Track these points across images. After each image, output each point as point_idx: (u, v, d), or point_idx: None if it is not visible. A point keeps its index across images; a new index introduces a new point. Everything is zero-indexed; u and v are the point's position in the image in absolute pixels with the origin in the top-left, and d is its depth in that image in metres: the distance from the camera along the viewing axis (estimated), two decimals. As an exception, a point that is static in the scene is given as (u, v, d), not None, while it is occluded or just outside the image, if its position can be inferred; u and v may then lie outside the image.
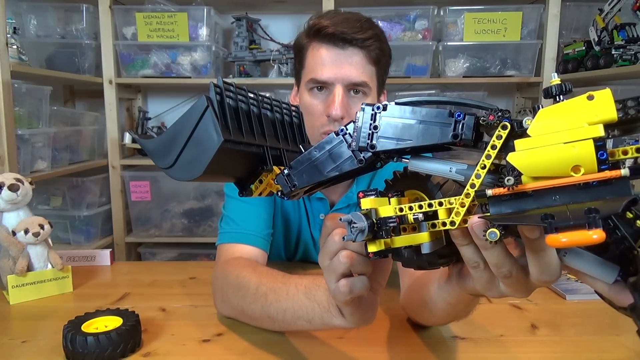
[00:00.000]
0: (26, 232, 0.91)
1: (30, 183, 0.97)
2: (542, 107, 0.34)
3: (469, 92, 2.14)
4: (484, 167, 0.36)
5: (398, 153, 0.41)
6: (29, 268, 0.92)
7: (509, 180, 0.34)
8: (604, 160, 0.31)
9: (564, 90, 0.33)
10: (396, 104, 0.40)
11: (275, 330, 0.73)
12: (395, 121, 0.40)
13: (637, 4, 1.60)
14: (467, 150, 0.39)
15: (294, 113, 0.55)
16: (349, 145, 0.42)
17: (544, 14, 1.90)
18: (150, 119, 2.20)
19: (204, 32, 1.95)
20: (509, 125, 0.35)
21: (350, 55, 0.86)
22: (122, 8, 1.96)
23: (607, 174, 0.31)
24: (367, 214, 0.40)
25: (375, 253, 0.42)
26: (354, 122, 0.42)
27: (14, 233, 0.92)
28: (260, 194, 0.49)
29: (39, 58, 1.95)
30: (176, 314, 0.85)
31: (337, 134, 0.43)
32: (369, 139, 0.41)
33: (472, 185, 0.37)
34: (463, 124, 0.38)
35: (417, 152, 0.41)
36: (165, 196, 2.05)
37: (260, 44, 2.08)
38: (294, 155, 0.46)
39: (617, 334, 0.75)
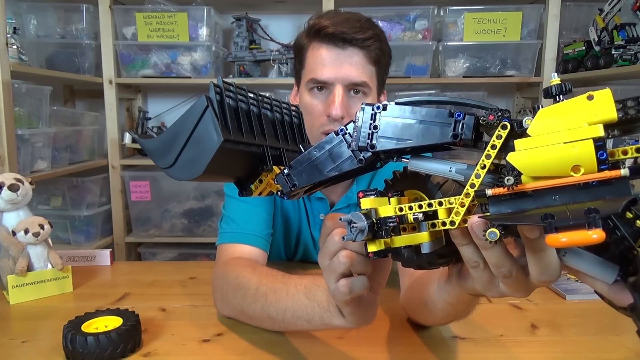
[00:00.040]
0: (26, 232, 0.91)
1: (30, 183, 0.97)
2: (542, 107, 0.34)
3: (469, 92, 2.14)
4: (483, 167, 0.36)
5: (398, 153, 0.41)
6: (29, 268, 0.92)
7: (509, 180, 0.34)
8: (604, 160, 0.31)
9: (563, 90, 0.33)
10: (396, 103, 0.40)
11: (275, 330, 0.73)
12: (395, 121, 0.40)
13: (637, 4, 1.61)
14: (467, 150, 0.39)
15: (293, 113, 0.55)
16: (349, 145, 0.42)
17: (544, 14, 1.90)
18: (150, 119, 2.20)
19: (204, 32, 1.96)
20: (508, 125, 0.35)
21: (350, 55, 0.86)
22: (122, 8, 1.96)
23: (607, 174, 0.31)
24: (367, 214, 0.40)
25: (375, 253, 0.42)
26: (354, 122, 0.42)
27: (14, 233, 0.92)
28: (260, 194, 0.49)
29: (39, 58, 1.95)
30: (176, 314, 0.85)
31: (337, 133, 0.43)
32: (368, 139, 0.41)
33: (472, 185, 0.37)
34: (463, 123, 0.38)
35: (417, 152, 0.41)
36: (165, 196, 2.05)
37: (260, 44, 2.08)
38: (293, 155, 0.46)
39: (617, 334, 0.75)
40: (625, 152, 0.31)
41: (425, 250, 0.42)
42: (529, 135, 0.33)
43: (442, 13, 1.95)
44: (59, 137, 1.78)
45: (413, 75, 1.96)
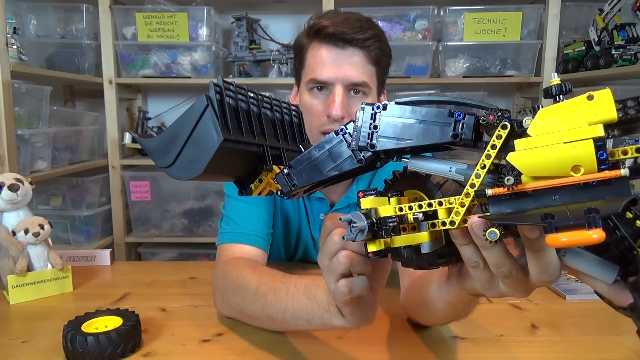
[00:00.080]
0: (26, 232, 0.91)
1: (30, 183, 0.97)
2: (542, 107, 0.34)
3: (469, 92, 2.14)
4: (483, 167, 0.36)
5: (398, 152, 0.41)
6: (29, 268, 0.92)
7: (509, 180, 0.34)
8: (604, 160, 0.31)
9: (563, 90, 0.33)
10: (396, 103, 0.40)
11: (275, 330, 0.73)
12: (395, 121, 0.40)
13: (637, 4, 1.61)
14: (467, 150, 0.39)
15: (293, 112, 0.55)
16: (349, 145, 0.42)
17: (544, 14, 1.90)
18: (150, 119, 2.20)
19: (204, 32, 1.96)
20: (508, 125, 0.35)
21: (350, 55, 0.86)
22: (122, 8, 1.96)
23: (607, 174, 0.31)
24: (367, 214, 0.40)
25: (375, 253, 0.42)
26: (354, 121, 0.42)
27: (14, 233, 0.92)
28: (259, 193, 0.49)
29: (39, 58, 1.95)
30: (176, 314, 0.85)
31: (336, 133, 0.43)
32: (368, 139, 0.41)
33: (472, 185, 0.37)
34: (463, 123, 0.38)
35: (417, 151, 0.41)
36: (165, 196, 2.05)
37: (260, 44, 2.08)
38: (293, 154, 0.46)
39: (617, 334, 0.75)
40: (625, 152, 0.31)
41: (425, 250, 0.42)
42: (529, 135, 0.33)
43: (442, 13, 1.95)
44: (59, 137, 1.78)
45: (413, 75, 1.96)
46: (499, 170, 0.36)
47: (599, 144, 0.30)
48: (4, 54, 1.39)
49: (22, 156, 1.54)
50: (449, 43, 1.94)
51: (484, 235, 0.35)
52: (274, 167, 0.47)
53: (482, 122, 0.37)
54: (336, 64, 0.86)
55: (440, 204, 0.39)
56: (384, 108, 0.40)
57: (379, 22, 1.74)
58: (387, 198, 0.43)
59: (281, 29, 2.14)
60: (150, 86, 2.27)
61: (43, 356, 0.69)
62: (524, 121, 0.34)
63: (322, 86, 0.89)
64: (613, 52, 1.66)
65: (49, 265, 0.95)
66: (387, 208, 0.41)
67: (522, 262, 0.39)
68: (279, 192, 0.47)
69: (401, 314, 0.80)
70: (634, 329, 0.33)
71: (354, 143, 0.42)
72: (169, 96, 2.28)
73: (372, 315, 0.53)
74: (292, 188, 0.45)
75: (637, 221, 0.32)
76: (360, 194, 0.42)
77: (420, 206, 0.40)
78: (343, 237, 0.41)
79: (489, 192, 0.35)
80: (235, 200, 0.94)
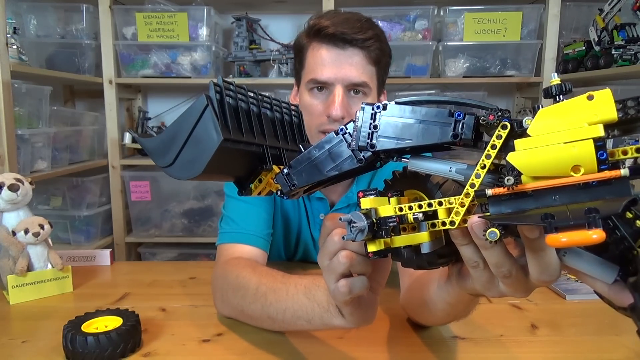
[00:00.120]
0: (26, 232, 0.91)
1: (30, 183, 0.97)
2: (542, 107, 0.34)
3: (469, 92, 2.14)
4: (483, 167, 0.36)
5: (398, 152, 0.41)
6: (29, 268, 0.92)
7: (509, 180, 0.34)
8: (604, 160, 0.31)
9: (563, 90, 0.33)
10: (396, 103, 0.40)
11: (275, 330, 0.73)
12: (395, 120, 0.40)
13: (637, 4, 1.61)
14: (467, 150, 0.39)
15: (293, 112, 0.55)
16: (349, 145, 0.42)
17: (544, 14, 1.90)
18: (150, 118, 2.20)
19: (204, 32, 1.96)
20: (508, 125, 0.35)
21: (351, 55, 0.86)
22: (122, 8, 1.96)
23: (607, 174, 0.31)
24: (367, 214, 0.40)
25: (375, 253, 0.42)
26: (354, 121, 0.42)
27: (14, 233, 0.92)
28: (259, 193, 0.49)
29: (39, 58, 1.95)
30: (176, 314, 0.85)
31: (336, 133, 0.43)
32: (368, 139, 0.41)
33: (472, 185, 0.37)
34: (463, 123, 0.38)
35: (416, 151, 0.41)
36: (165, 196, 2.05)
37: (260, 44, 2.08)
38: (293, 154, 0.46)
39: (617, 334, 0.75)
40: (625, 152, 0.31)
41: (425, 250, 0.42)
42: (529, 135, 0.33)
43: (442, 13, 1.95)
44: (59, 137, 1.78)
45: (413, 75, 1.96)
46: (499, 170, 0.36)
47: (599, 144, 0.30)
48: (4, 54, 1.39)
49: (22, 156, 1.54)
50: (449, 43, 1.94)
51: (484, 235, 0.35)
52: (274, 167, 0.47)
53: (482, 122, 0.37)
54: (336, 64, 0.86)
55: (440, 204, 0.39)
56: (384, 108, 0.40)
57: (379, 22, 1.74)
58: (387, 198, 0.43)
59: (281, 29, 2.14)
60: (150, 86, 2.27)
61: (43, 356, 0.69)
62: (524, 121, 0.34)
63: (322, 86, 0.88)
64: (613, 52, 1.66)
65: (49, 265, 0.95)
66: (387, 208, 0.41)
67: (522, 262, 0.39)
68: (278, 192, 0.47)
69: (401, 314, 0.80)
70: (634, 329, 0.33)
71: (353, 143, 0.42)
72: (169, 96, 2.28)
73: (372, 315, 0.53)
74: (292, 188, 0.45)
75: (637, 221, 0.32)
76: (360, 194, 0.42)
77: (420, 206, 0.40)
78: (343, 237, 0.41)
79: (489, 192, 0.35)
80: (235, 200, 0.94)
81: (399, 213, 0.40)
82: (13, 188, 0.92)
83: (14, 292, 0.90)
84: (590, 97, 0.31)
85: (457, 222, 0.38)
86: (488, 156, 0.36)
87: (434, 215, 0.40)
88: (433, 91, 2.14)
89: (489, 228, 0.34)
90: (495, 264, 0.39)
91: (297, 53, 0.94)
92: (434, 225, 0.40)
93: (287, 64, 1.97)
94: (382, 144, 0.40)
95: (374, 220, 0.40)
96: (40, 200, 1.91)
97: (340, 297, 0.48)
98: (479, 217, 0.36)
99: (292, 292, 0.64)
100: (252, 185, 0.48)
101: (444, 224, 0.39)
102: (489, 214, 0.36)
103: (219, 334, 0.76)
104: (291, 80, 1.08)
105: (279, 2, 2.09)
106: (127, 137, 2.04)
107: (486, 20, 1.89)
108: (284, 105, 0.53)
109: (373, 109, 0.41)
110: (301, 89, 0.93)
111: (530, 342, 0.74)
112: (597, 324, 0.79)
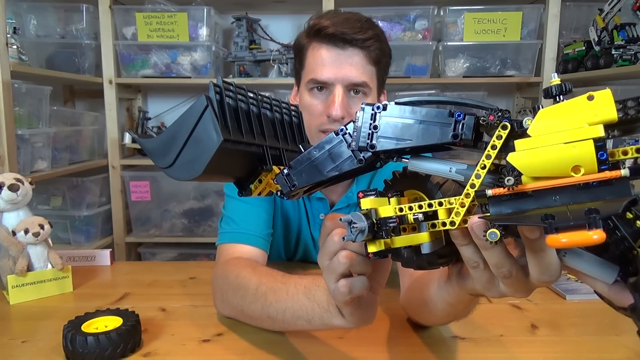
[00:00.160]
0: (26, 232, 0.91)
1: (30, 183, 0.97)
2: (542, 107, 0.34)
3: (469, 92, 2.14)
4: (484, 167, 0.36)
5: (398, 153, 0.41)
6: (29, 268, 0.92)
7: (509, 180, 0.34)
8: (604, 161, 0.31)
9: (564, 90, 0.33)
10: (396, 103, 0.40)
11: (275, 330, 0.73)
12: (395, 121, 0.40)
13: (637, 4, 1.60)
14: (467, 150, 0.39)
15: (293, 113, 0.55)
16: (349, 145, 0.42)
17: (544, 14, 1.90)
18: (150, 119, 2.20)
19: (204, 32, 1.95)
20: (509, 126, 0.35)
21: (351, 55, 0.86)
22: (122, 8, 1.96)
23: (607, 174, 0.31)
24: (367, 214, 0.40)
25: (375, 253, 0.42)
26: (354, 121, 0.42)
27: (14, 233, 0.92)
28: (259, 194, 0.48)
29: (39, 58, 1.95)
30: (176, 314, 0.85)
31: (336, 133, 0.43)
32: (368, 139, 0.41)
33: (472, 185, 0.37)
34: (463, 123, 0.38)
35: (417, 152, 0.41)
36: (165, 196, 2.05)
37: (260, 44, 2.08)
38: (293, 155, 0.46)
39: (617, 334, 0.75)
40: (625, 153, 0.31)
41: (425, 250, 0.42)
42: (529, 136, 0.33)
43: (442, 13, 1.95)
44: (59, 137, 1.78)
45: (413, 75, 1.96)
46: (499, 171, 0.36)
47: (599, 144, 0.30)
48: (4, 54, 1.39)
49: (22, 156, 1.54)
50: (449, 43, 1.94)
51: (484, 235, 0.35)
52: (274, 167, 0.47)
53: (482, 122, 0.37)
54: (336, 64, 0.86)
55: (440, 204, 0.39)
56: (384, 108, 0.40)
57: (379, 22, 1.74)
58: (387, 198, 0.43)
59: (281, 29, 2.14)
60: (150, 86, 2.27)
61: (43, 356, 0.69)
62: (524, 121, 0.34)
63: (322, 86, 0.88)
64: (613, 52, 1.66)
65: (49, 265, 0.95)
66: (387, 208, 0.41)
67: (522, 262, 0.39)
68: (278, 193, 0.47)
69: (401, 314, 0.80)
70: (634, 329, 0.33)
71: (354, 143, 0.41)
72: (169, 96, 2.28)
73: (372, 316, 0.53)
74: (292, 188, 0.45)
75: (638, 221, 0.32)
76: (361, 195, 0.42)
77: (420, 206, 0.40)
78: (343, 238, 0.41)
79: (489, 192, 0.35)
80: (235, 200, 0.94)
81: (399, 213, 0.40)
82: (13, 188, 0.91)
83: (14, 292, 0.90)
84: (590, 98, 0.31)
85: (457, 223, 0.38)
86: (488, 156, 0.36)
87: (434, 215, 0.40)
88: (433, 91, 2.14)
89: (489, 228, 0.34)
90: (495, 265, 0.39)
91: (297, 53, 0.94)
92: (434, 225, 0.40)
93: (287, 64, 1.97)
94: (382, 144, 0.40)
95: (374, 221, 0.40)
96: (40, 200, 1.91)
97: (340, 297, 0.48)
98: (479, 217, 0.36)
99: (292, 292, 0.64)
100: (252, 186, 0.48)
101: (444, 224, 0.39)
102: (489, 214, 0.36)
103: (219, 334, 0.76)
104: (291, 80, 1.08)
105: (279, 2, 2.09)
106: (127, 137, 2.04)
107: (486, 20, 1.89)
108: (283, 105, 0.53)
109: (373, 110, 0.41)
110: (301, 89, 0.93)
111: (530, 342, 0.74)
112: (597, 324, 0.79)
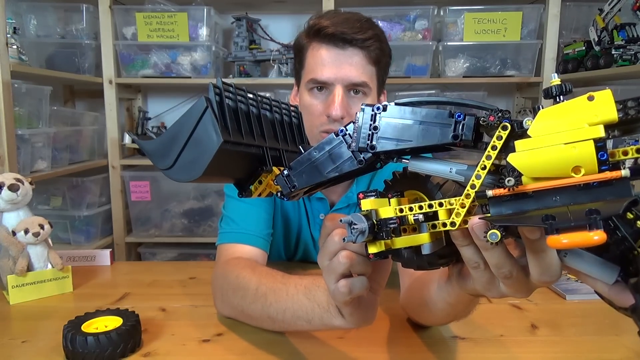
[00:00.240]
0: (26, 232, 0.91)
1: (30, 183, 0.97)
2: (543, 108, 0.33)
3: (469, 92, 2.14)
4: (484, 168, 0.36)
5: (398, 154, 0.41)
6: (29, 268, 0.92)
7: (510, 181, 0.34)
8: (605, 161, 0.30)
9: (564, 90, 0.33)
10: (396, 104, 0.40)
11: (275, 331, 0.73)
12: (395, 122, 0.40)
13: (637, 4, 1.60)
14: (467, 150, 0.39)
15: (293, 113, 0.55)
16: (349, 146, 0.42)
17: (544, 14, 1.90)
18: (150, 119, 2.20)
19: (204, 32, 1.95)
20: (509, 126, 0.35)
21: (350, 55, 0.86)
22: (122, 8, 1.96)
23: (608, 174, 0.31)
24: (368, 215, 0.40)
25: (375, 254, 0.42)
26: (354, 122, 0.42)
27: (14, 233, 0.92)
28: (259, 195, 0.48)
29: (39, 58, 1.95)
30: (176, 314, 0.85)
31: (336, 134, 0.43)
32: (368, 140, 0.41)
33: (472, 186, 0.36)
34: (463, 124, 0.38)
35: (417, 152, 0.41)
36: (165, 196, 2.05)
37: (260, 44, 2.08)
38: (293, 155, 0.46)
39: (617, 334, 0.75)
40: (625, 153, 0.31)
41: (425, 251, 0.42)
42: (529, 136, 0.33)
43: (442, 13, 1.95)
44: (59, 137, 1.78)
45: (413, 75, 1.96)
46: (500, 171, 0.36)
47: (600, 144, 0.30)
48: (4, 54, 1.39)
49: (22, 156, 1.54)
50: (449, 43, 1.94)
51: (485, 236, 0.35)
52: (274, 168, 0.47)
53: (482, 122, 0.37)
54: (336, 64, 0.86)
55: (440, 204, 0.39)
56: (384, 109, 0.40)
57: (379, 22, 1.74)
58: (387, 199, 0.42)
59: (281, 29, 2.14)
60: (150, 86, 2.27)
61: (43, 356, 0.69)
62: (524, 122, 0.34)
63: (322, 86, 0.88)
64: (613, 52, 1.66)
65: (49, 265, 0.95)
66: (388, 209, 0.41)
67: (522, 262, 0.39)
68: (278, 194, 0.47)
69: (401, 314, 0.80)
70: (634, 329, 0.33)
71: (354, 144, 0.41)
72: (169, 96, 2.28)
73: (372, 316, 0.53)
74: (292, 189, 0.45)
75: (638, 222, 0.32)
76: (361, 195, 0.42)
77: (420, 207, 0.40)
78: (344, 239, 0.41)
79: (490, 193, 0.35)
80: (235, 201, 0.94)
81: (399, 214, 0.40)
82: (13, 188, 0.91)
83: (14, 292, 0.90)
84: (590, 98, 0.31)
85: (457, 223, 0.38)
86: (488, 157, 0.36)
87: (434, 216, 0.40)
88: (433, 91, 2.14)
89: (490, 229, 0.34)
90: (495, 265, 0.39)
91: (297, 53, 0.94)
92: (434, 226, 0.40)
93: (287, 64, 1.97)
94: (382, 145, 0.40)
95: (375, 222, 0.40)
96: (40, 200, 1.91)
97: (340, 297, 0.48)
98: (479, 218, 0.36)
99: (292, 293, 0.64)
100: (252, 187, 0.48)
101: (444, 225, 0.39)
102: (489, 215, 0.36)
103: (219, 334, 0.76)
104: (291, 80, 1.08)
105: (279, 2, 2.09)
106: (127, 137, 2.04)
107: (486, 20, 1.89)
108: (283, 106, 0.53)
109: (373, 110, 0.41)
110: (301, 89, 0.93)
111: (530, 342, 0.74)
112: (597, 324, 0.79)
